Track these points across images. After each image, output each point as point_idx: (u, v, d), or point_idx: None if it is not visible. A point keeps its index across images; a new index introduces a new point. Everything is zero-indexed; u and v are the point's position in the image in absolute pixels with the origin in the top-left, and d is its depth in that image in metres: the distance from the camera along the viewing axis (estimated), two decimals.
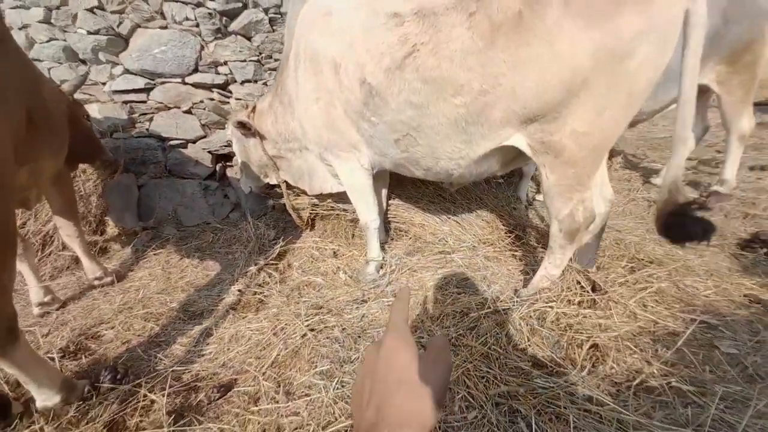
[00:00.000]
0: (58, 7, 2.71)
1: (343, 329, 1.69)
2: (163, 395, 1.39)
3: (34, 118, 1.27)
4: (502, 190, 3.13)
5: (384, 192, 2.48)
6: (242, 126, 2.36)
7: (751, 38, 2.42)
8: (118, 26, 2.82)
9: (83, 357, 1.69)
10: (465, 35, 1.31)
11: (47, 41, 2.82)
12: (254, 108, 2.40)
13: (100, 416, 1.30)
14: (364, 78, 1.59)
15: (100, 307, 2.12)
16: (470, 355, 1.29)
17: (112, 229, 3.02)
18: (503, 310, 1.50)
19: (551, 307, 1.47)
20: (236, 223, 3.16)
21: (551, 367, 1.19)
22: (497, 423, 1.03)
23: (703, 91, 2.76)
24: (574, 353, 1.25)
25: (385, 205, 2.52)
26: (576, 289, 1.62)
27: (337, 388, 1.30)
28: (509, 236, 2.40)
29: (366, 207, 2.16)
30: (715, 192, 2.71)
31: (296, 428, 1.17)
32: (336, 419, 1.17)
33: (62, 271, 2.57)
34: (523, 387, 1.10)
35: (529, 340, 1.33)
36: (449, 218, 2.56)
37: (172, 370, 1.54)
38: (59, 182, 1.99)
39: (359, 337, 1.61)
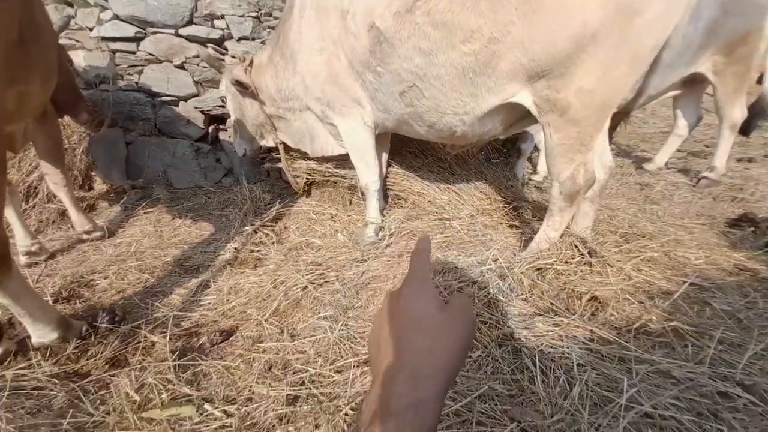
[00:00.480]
0: None
1: (344, 283, 1.69)
2: (164, 336, 1.37)
3: (25, 35, 1.19)
4: (499, 168, 3.16)
5: (384, 157, 2.45)
6: (239, 83, 2.27)
7: (747, 31, 2.48)
8: None
9: (77, 302, 1.64)
10: None
11: None
12: (251, 62, 2.30)
13: (101, 353, 1.28)
14: (373, 22, 1.55)
15: (91, 259, 2.06)
16: (473, 302, 1.31)
17: (99, 185, 2.91)
18: (504, 265, 1.53)
19: (550, 265, 1.51)
20: (229, 187, 3.09)
21: (552, 313, 1.23)
22: (501, 359, 1.06)
23: (699, 81, 2.83)
24: (574, 304, 1.29)
25: (384, 171, 2.49)
26: (573, 252, 1.66)
27: (342, 330, 1.31)
28: (506, 208, 2.44)
29: (367, 167, 2.14)
30: (705, 177, 2.81)
31: (304, 364, 1.18)
32: (342, 357, 1.18)
33: (48, 225, 2.46)
34: (527, 329, 1.14)
35: (530, 291, 1.36)
36: (448, 188, 2.57)
37: (173, 315, 1.51)
38: (46, 121, 1.88)
39: (361, 289, 1.62)
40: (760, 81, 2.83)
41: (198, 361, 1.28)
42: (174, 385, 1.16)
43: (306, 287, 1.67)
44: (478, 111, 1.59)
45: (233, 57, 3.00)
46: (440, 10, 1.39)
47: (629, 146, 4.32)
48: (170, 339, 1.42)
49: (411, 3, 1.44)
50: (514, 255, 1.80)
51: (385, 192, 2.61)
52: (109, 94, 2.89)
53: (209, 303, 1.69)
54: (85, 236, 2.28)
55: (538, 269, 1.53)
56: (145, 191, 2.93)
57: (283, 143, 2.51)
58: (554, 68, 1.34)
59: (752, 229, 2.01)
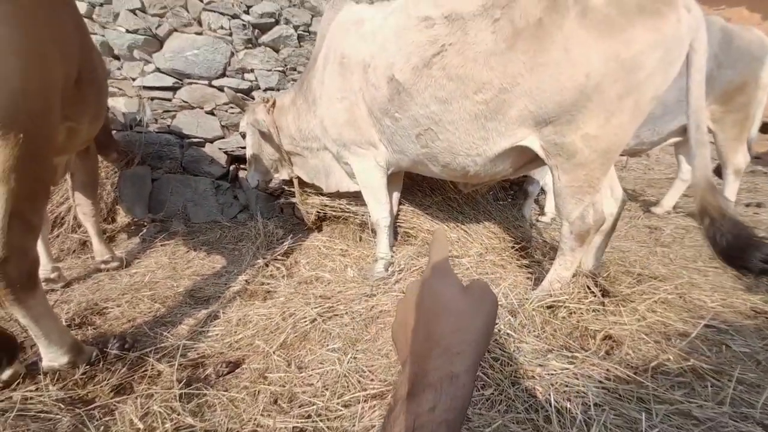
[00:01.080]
0: (101, 4, 2.91)
1: (353, 317, 1.68)
2: (171, 366, 1.37)
3: (82, 76, 1.35)
4: (507, 209, 3.22)
5: (396, 195, 2.55)
6: (258, 124, 2.47)
7: (743, 81, 2.63)
8: (156, 28, 3.01)
9: (88, 329, 1.66)
10: (489, 38, 1.44)
11: None
12: (274, 103, 2.51)
13: (108, 380, 1.27)
14: (393, 75, 1.72)
15: (106, 287, 2.10)
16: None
17: (122, 218, 3.04)
18: (515, 301, 1.52)
19: (562, 302, 1.49)
20: (244, 222, 3.20)
21: (566, 351, 1.20)
22: (515, 397, 1.02)
23: None
24: (588, 342, 1.26)
25: (396, 209, 2.57)
26: (585, 292, 1.65)
27: (350, 362, 1.29)
28: (515, 247, 2.45)
29: (378, 204, 2.23)
30: None
31: (311, 397, 1.15)
32: (350, 390, 1.15)
33: (69, 254, 2.55)
34: (540, 366, 1.11)
35: (542, 329, 1.34)
36: (457, 226, 2.62)
37: (181, 344, 1.51)
38: (87, 156, 2.05)
39: (370, 323, 1.61)
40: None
41: (203, 391, 1.26)
42: (178, 414, 1.14)
43: (315, 320, 1.67)
44: (490, 153, 1.68)
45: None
46: (455, 65, 1.53)
47: (635, 191, 4.38)
48: (177, 368, 1.41)
49: (428, 59, 1.59)
50: (525, 292, 1.79)
51: (395, 229, 2.67)
52: (142, 135, 3.13)
53: (217, 334, 1.69)
54: (102, 266, 2.35)
55: (549, 307, 1.51)
56: (164, 225, 3.04)
57: (298, 177, 2.65)
58: (561, 115, 1.44)
59: None
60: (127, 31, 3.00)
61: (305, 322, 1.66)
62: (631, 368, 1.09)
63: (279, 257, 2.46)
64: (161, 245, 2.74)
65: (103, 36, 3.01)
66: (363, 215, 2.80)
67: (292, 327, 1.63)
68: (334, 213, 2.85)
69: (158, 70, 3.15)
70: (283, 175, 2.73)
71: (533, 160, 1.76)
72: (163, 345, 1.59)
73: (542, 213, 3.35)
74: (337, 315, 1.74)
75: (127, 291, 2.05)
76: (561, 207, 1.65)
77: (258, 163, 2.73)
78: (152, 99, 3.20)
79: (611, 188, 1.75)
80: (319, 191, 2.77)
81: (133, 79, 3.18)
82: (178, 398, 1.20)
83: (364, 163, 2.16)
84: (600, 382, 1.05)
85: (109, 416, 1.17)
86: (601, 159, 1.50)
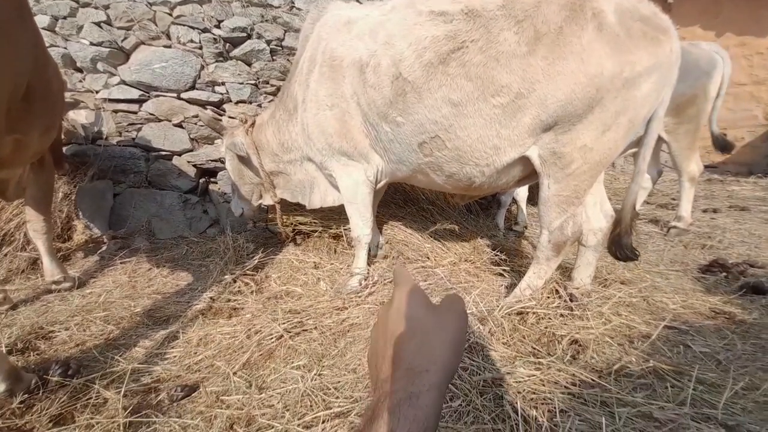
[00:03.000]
0: (65, 17, 2.82)
1: (322, 332, 1.62)
2: (118, 392, 1.26)
3: (34, 88, 1.28)
4: (481, 218, 3.26)
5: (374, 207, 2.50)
6: (237, 150, 2.34)
7: (694, 94, 2.82)
8: (122, 41, 2.94)
9: (31, 354, 1.52)
10: (512, 39, 1.42)
11: (47, 47, 2.88)
12: (253, 123, 2.39)
13: (47, 409, 1.15)
14: (399, 73, 1.60)
15: (54, 309, 1.95)
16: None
17: (79, 236, 2.86)
18: (486, 310, 1.50)
19: (530, 308, 1.50)
20: (213, 237, 3.07)
21: (533, 357, 1.19)
22: (483, 408, 0.99)
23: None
24: (555, 347, 1.26)
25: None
26: (554, 298, 1.66)
27: (315, 379, 1.22)
28: (488, 255, 2.47)
29: (361, 221, 2.13)
30: (674, 226, 2.95)
31: (270, 419, 1.07)
32: (312, 409, 1.09)
33: (17, 275, 2.36)
34: (507, 374, 1.09)
35: (511, 336, 1.33)
36: (431, 237, 2.62)
37: (132, 368, 1.40)
38: (41, 169, 1.93)
39: (339, 337, 1.55)
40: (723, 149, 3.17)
41: (152, 419, 1.16)
42: None
43: (281, 336, 1.59)
44: (499, 163, 1.63)
45: (231, 118, 3.22)
46: (476, 63, 1.47)
47: None
48: (126, 395, 1.30)
49: (445, 55, 1.51)
50: (496, 300, 1.78)
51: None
52: (103, 149, 3.00)
53: (175, 356, 1.58)
54: (53, 286, 2.19)
55: (519, 313, 1.51)
56: (125, 241, 2.88)
57: (281, 201, 2.51)
58: (564, 124, 1.45)
59: (724, 274, 2.06)
60: (91, 44, 2.90)
61: (271, 339, 1.58)
62: (596, 372, 1.09)
63: (248, 272, 2.36)
64: (121, 263, 2.58)
65: (65, 48, 2.91)
66: (337, 227, 2.76)
67: (257, 345, 1.55)
68: (308, 230, 2.79)
69: (123, 82, 3.05)
70: (266, 200, 2.56)
71: (534, 172, 1.72)
72: (113, 370, 1.46)
73: (515, 222, 3.41)
74: (306, 330, 1.67)
75: (78, 313, 1.90)
76: (544, 215, 1.64)
77: (240, 190, 2.58)
78: (116, 111, 3.09)
79: (600, 203, 1.77)
80: (295, 209, 2.69)
81: (96, 92, 3.07)
82: (122, 427, 1.09)
83: (351, 177, 2.02)
84: (566, 387, 1.04)
85: None
86: (591, 171, 1.53)
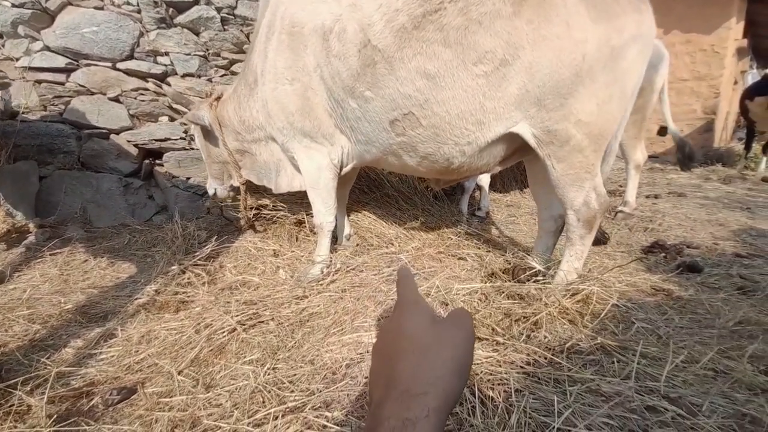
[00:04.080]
0: None
1: (279, 323, 1.54)
2: (42, 398, 1.11)
3: None
4: (445, 204, 3.28)
5: (345, 194, 2.38)
6: (198, 120, 2.13)
7: (641, 86, 2.97)
8: (46, 1, 2.53)
9: None
10: None
11: None
12: (218, 97, 2.16)
13: None
14: (368, 40, 1.45)
15: None
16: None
17: (0, 225, 2.51)
18: (444, 293, 1.50)
19: (495, 289, 1.52)
20: (161, 225, 2.83)
21: (492, 339, 1.20)
22: None
23: None
24: (512, 327, 1.28)
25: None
26: (510, 276, 1.71)
27: (268, 374, 1.15)
28: (452, 242, 2.48)
29: (324, 207, 1.99)
30: (621, 211, 3.15)
31: (217, 420, 0.99)
32: (265, 406, 1.02)
33: None
34: None
35: (473, 317, 1.33)
36: (395, 223, 2.59)
37: (58, 371, 1.24)
38: None
39: (297, 328, 1.48)
40: (661, 133, 3.39)
41: (81, 426, 1.03)
42: None
43: (234, 330, 1.49)
44: (482, 141, 1.53)
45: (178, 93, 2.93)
46: (455, 26, 1.34)
47: None
48: (53, 401, 1.15)
49: (420, 17, 1.36)
50: (458, 284, 1.79)
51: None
52: (26, 125, 2.62)
53: (113, 356, 1.42)
54: None
55: (479, 296, 1.52)
56: (55, 231, 2.57)
57: (247, 182, 2.32)
58: (555, 99, 1.38)
59: (663, 254, 2.22)
60: (12, 5, 2.49)
61: (223, 333, 1.48)
62: (549, 350, 1.12)
63: (200, 262, 2.19)
64: (51, 255, 2.30)
65: None
66: (299, 213, 2.64)
67: (207, 340, 1.44)
68: (269, 212, 2.64)
69: (47, 48, 2.67)
70: (234, 180, 2.34)
71: (516, 151, 1.68)
72: (39, 373, 1.29)
73: (478, 208, 3.48)
74: (262, 321, 1.58)
75: None
76: (563, 197, 1.56)
77: (210, 168, 2.37)
78: (39, 82, 2.70)
79: None
80: (266, 191, 2.52)
81: (17, 59, 2.65)
82: None
83: (314, 161, 1.86)
84: (521, 367, 1.05)
85: None
86: (594, 145, 1.47)
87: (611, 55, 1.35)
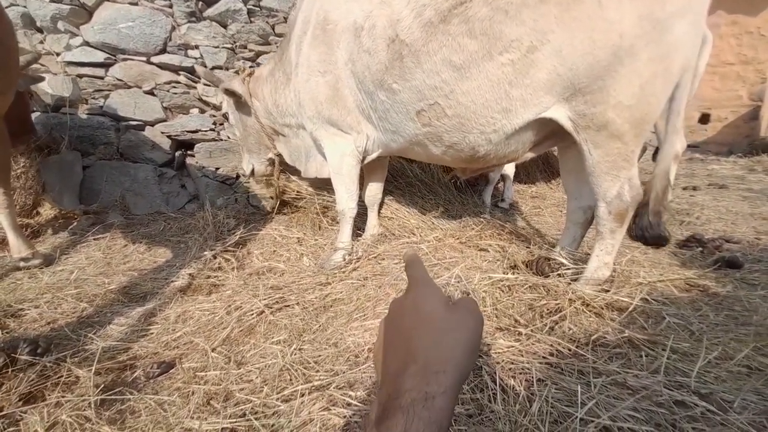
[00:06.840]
0: None
1: (304, 307, 1.60)
2: (90, 370, 1.21)
3: None
4: (468, 195, 3.24)
5: (380, 186, 2.40)
6: (232, 94, 2.24)
7: None
8: None
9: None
10: None
11: (7, 6, 2.61)
12: (251, 73, 2.29)
13: (16, 388, 1.11)
14: (396, 35, 1.49)
15: (24, 287, 1.86)
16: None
17: (47, 211, 2.71)
18: (466, 283, 1.50)
19: (514, 280, 1.50)
20: (192, 213, 2.97)
21: (513, 329, 1.20)
22: None
23: None
24: (535, 319, 1.27)
25: (381, 198, 2.42)
26: (536, 270, 1.68)
27: (294, 354, 1.21)
28: (473, 232, 2.46)
29: (347, 193, 2.06)
30: None
31: (248, 394, 1.06)
32: (292, 383, 1.08)
33: None
34: (488, 345, 1.09)
35: (494, 308, 1.33)
36: (417, 212, 2.59)
37: (104, 346, 1.35)
38: None
39: (321, 312, 1.53)
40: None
41: (126, 396, 1.13)
42: (92, 423, 1.00)
43: (262, 312, 1.56)
44: (509, 128, 1.51)
45: (206, 85, 3.03)
46: (481, 18, 1.33)
47: None
48: (99, 373, 1.26)
49: (446, 11, 1.38)
50: (490, 276, 1.78)
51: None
52: (69, 117, 2.80)
53: (152, 333, 1.53)
54: (21, 264, 2.08)
55: (501, 287, 1.51)
56: (98, 217, 2.76)
57: (280, 156, 2.44)
58: (591, 81, 1.31)
59: (700, 249, 2.11)
60: (51, 1, 2.63)
61: (252, 315, 1.55)
62: (573, 342, 1.11)
63: (230, 248, 2.30)
64: (94, 239, 2.47)
65: (25, 7, 2.64)
66: (323, 201, 2.69)
67: (237, 321, 1.52)
68: (292, 199, 2.72)
69: (87, 43, 2.82)
70: (269, 154, 2.48)
71: (548, 138, 1.63)
72: (85, 348, 1.42)
73: (501, 199, 3.41)
74: (287, 305, 1.65)
75: (48, 290, 1.82)
76: (596, 186, 1.49)
77: (245, 142, 2.48)
78: (80, 76, 2.87)
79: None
80: (296, 174, 2.61)
81: (57, 54, 2.82)
82: (94, 405, 1.06)
83: (338, 147, 1.95)
84: (544, 357, 1.05)
85: (13, 426, 1.02)
86: (635, 130, 1.38)
87: (654, 29, 1.24)
